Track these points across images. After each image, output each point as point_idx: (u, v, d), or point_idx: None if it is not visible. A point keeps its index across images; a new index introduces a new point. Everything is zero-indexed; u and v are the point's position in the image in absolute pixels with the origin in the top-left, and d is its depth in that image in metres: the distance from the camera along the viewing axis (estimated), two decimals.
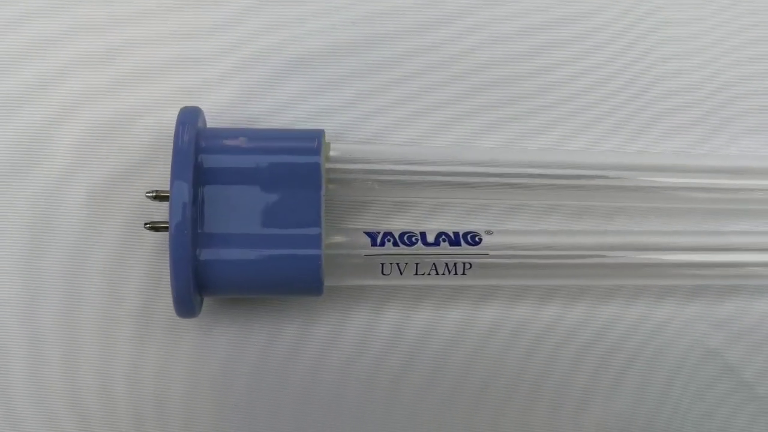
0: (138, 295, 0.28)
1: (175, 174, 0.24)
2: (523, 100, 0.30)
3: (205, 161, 0.25)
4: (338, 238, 0.26)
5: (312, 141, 0.26)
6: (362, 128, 0.29)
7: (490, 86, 0.30)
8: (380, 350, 0.28)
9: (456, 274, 0.26)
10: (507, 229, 0.28)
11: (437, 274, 0.26)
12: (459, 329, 0.29)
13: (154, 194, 0.26)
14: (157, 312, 0.27)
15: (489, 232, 0.27)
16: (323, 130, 0.26)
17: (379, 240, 0.26)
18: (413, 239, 0.26)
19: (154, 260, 0.27)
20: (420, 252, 0.26)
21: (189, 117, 0.25)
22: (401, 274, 0.26)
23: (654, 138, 0.30)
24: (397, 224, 0.29)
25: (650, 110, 0.30)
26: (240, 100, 0.29)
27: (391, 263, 0.26)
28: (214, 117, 0.28)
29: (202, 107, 0.27)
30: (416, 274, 0.26)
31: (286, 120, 0.29)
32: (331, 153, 0.27)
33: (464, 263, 0.26)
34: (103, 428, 0.27)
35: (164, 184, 0.25)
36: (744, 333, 0.29)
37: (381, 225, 0.29)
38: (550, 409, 0.29)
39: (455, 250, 0.26)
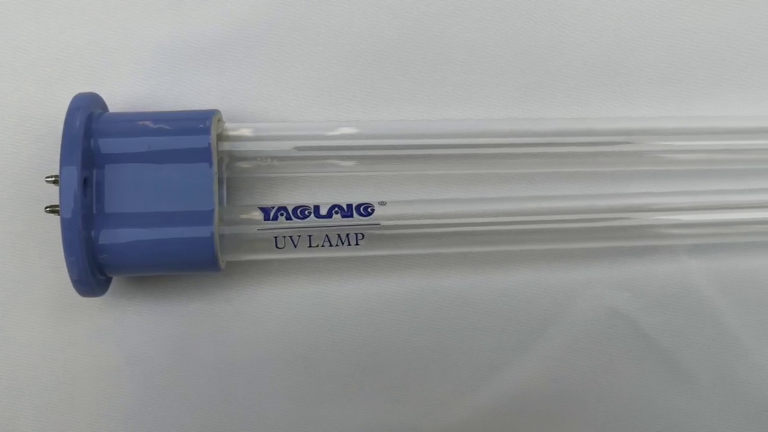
0: (49, 278, 0.28)
1: (64, 158, 0.25)
2: (417, 75, 0.30)
3: (101, 145, 0.26)
4: (232, 215, 0.27)
5: (203, 121, 0.27)
6: (264, 108, 0.30)
7: (385, 62, 0.30)
8: (287, 324, 0.29)
9: (349, 244, 0.27)
10: (401, 200, 0.28)
11: (331, 245, 0.27)
12: (363, 301, 0.29)
13: (53, 179, 0.27)
14: (69, 294, 0.28)
15: (382, 203, 0.27)
16: (215, 111, 0.27)
17: (272, 215, 0.27)
18: (306, 212, 0.27)
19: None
20: (312, 224, 0.27)
21: (81, 102, 0.26)
22: (295, 246, 0.27)
23: (538, 105, 0.30)
24: (300, 199, 0.30)
25: (529, 77, 0.30)
26: (144, 85, 0.30)
27: (284, 236, 0.27)
28: (118, 103, 0.29)
29: (107, 94, 0.28)
30: (310, 246, 0.27)
31: (190, 104, 0.30)
32: (231, 132, 0.28)
33: (357, 234, 0.27)
34: (18, 411, 0.28)
35: None
36: (649, 294, 0.30)
37: (284, 200, 0.29)
38: (458, 377, 0.29)
39: (347, 221, 0.27)
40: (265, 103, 0.30)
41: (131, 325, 0.29)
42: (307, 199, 0.30)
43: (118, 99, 0.29)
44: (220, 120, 0.27)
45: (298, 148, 0.28)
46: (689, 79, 0.31)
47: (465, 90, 0.30)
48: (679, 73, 0.31)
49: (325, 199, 0.29)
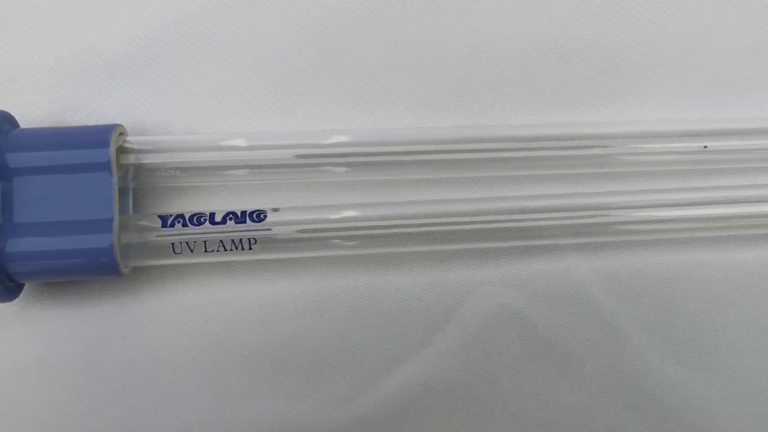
0: None
1: None
2: (320, 85, 0.32)
3: (9, 160, 0.28)
4: (132, 223, 0.29)
5: (103, 135, 0.28)
6: (169, 120, 0.32)
7: (290, 73, 0.32)
8: (194, 325, 0.31)
9: (243, 249, 0.29)
10: (295, 206, 0.30)
11: (225, 250, 0.29)
12: (270, 303, 0.31)
13: None
14: None
15: (276, 210, 0.29)
16: (116, 125, 0.29)
17: (169, 222, 0.29)
18: (202, 219, 0.29)
19: None
20: (207, 231, 0.29)
21: None
22: (192, 252, 0.29)
23: (444, 115, 0.32)
24: (209, 206, 0.31)
25: (436, 87, 0.32)
26: (54, 101, 0.31)
27: (181, 243, 0.28)
28: (29, 119, 0.31)
29: (16, 110, 0.30)
30: (206, 251, 0.29)
31: (100, 117, 0.31)
32: (134, 145, 0.29)
33: (249, 239, 0.29)
34: None
35: None
36: (538, 291, 0.31)
37: (193, 208, 0.31)
38: (359, 375, 0.31)
39: (240, 227, 0.29)
40: (171, 116, 0.31)
41: (42, 329, 0.30)
42: (215, 206, 0.31)
43: (28, 115, 0.31)
44: (122, 133, 0.29)
45: (199, 160, 0.30)
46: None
47: (365, 98, 0.32)
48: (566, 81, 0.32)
49: (225, 207, 0.30)
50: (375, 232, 0.30)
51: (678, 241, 0.32)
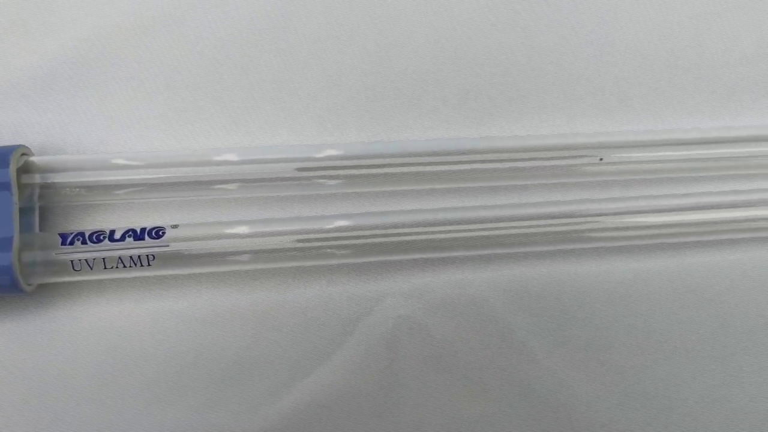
0: None
1: None
2: (230, 105, 0.33)
3: None
4: (34, 241, 0.29)
5: (4, 156, 0.29)
6: (77, 140, 0.32)
7: (186, 94, 0.33)
8: (99, 339, 0.31)
9: (142, 266, 0.29)
10: (194, 223, 0.30)
11: (124, 267, 0.29)
12: (174, 317, 0.32)
13: None
14: None
15: (175, 226, 0.30)
16: (18, 146, 0.30)
17: (69, 240, 0.29)
18: (101, 237, 0.29)
19: None
20: (106, 248, 0.29)
21: None
22: (91, 269, 0.29)
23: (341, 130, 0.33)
24: (115, 224, 0.32)
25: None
26: None
27: (80, 260, 0.29)
28: None
29: None
30: (105, 268, 0.29)
31: (9, 138, 0.32)
32: (40, 165, 0.30)
33: (147, 255, 0.29)
34: None
35: None
36: (439, 303, 0.32)
37: (99, 225, 0.32)
38: (259, 390, 0.31)
39: (138, 244, 0.29)
40: (79, 136, 0.32)
41: None
42: (123, 223, 0.32)
43: None
44: (24, 154, 0.30)
45: (104, 179, 0.30)
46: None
47: (276, 116, 0.33)
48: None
49: (129, 224, 0.31)
50: (271, 246, 0.30)
51: (573, 252, 0.32)
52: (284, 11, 0.33)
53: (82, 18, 0.33)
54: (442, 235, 0.31)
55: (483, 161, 0.31)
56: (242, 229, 0.30)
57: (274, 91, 0.33)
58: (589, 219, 0.31)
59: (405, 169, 0.31)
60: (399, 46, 0.33)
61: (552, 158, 0.31)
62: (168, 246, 0.29)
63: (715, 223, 0.31)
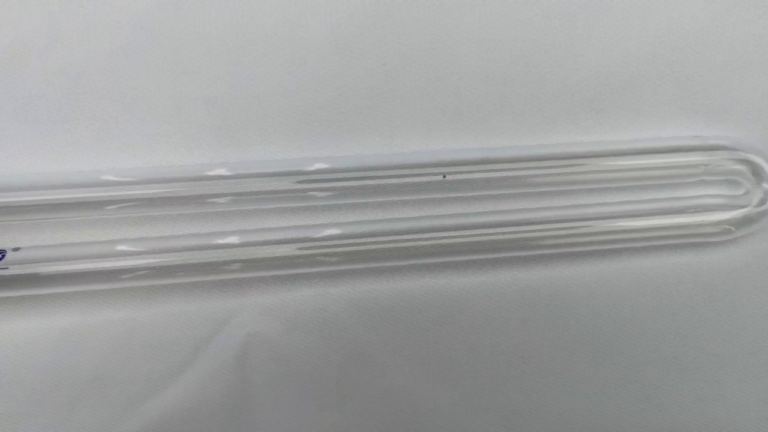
0: None
1: None
2: (77, 128, 0.33)
3: None
4: None
5: None
6: None
7: (54, 115, 0.33)
8: None
9: None
10: (37, 245, 0.31)
11: None
12: (23, 338, 0.31)
13: None
14: None
15: (16, 249, 0.30)
16: None
17: None
18: None
19: None
20: None
21: None
22: None
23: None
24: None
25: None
26: None
27: None
28: None
29: None
30: None
31: None
32: None
33: None
34: None
35: None
36: (291, 319, 0.32)
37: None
38: (112, 407, 0.31)
39: None
40: None
41: None
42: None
43: None
44: None
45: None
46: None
47: (138, 139, 0.33)
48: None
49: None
50: (113, 266, 0.30)
51: (431, 267, 0.34)
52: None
53: None
54: (296, 252, 0.32)
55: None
56: (92, 250, 0.30)
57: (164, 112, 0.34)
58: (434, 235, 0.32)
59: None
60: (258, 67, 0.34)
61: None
62: (8, 268, 0.29)
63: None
